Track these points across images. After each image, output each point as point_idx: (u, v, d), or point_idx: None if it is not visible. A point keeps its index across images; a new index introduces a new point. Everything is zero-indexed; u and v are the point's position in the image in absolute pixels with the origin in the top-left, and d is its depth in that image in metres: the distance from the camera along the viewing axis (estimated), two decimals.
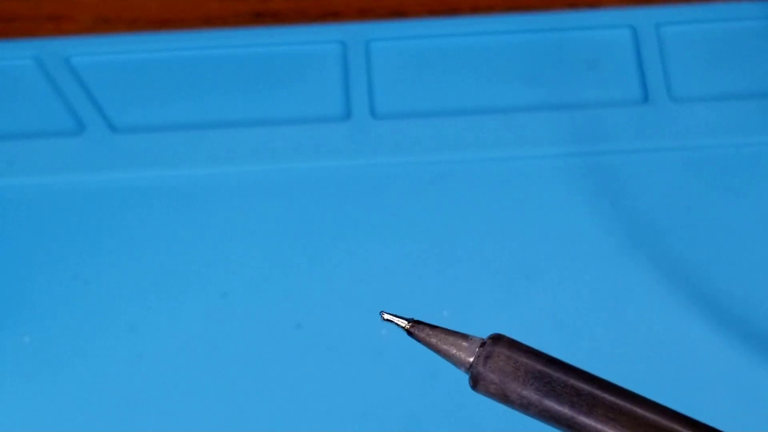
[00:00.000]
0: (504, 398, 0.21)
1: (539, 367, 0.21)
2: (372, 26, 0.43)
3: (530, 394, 0.20)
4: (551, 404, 0.20)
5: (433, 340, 0.22)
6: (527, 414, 0.21)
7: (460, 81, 0.42)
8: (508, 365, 0.21)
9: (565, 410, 0.20)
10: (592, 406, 0.20)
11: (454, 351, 0.21)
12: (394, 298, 0.38)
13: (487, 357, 0.21)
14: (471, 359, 0.21)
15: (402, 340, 0.38)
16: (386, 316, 0.22)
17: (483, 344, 0.21)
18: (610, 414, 0.20)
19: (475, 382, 0.21)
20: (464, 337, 0.21)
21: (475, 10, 0.44)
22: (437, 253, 0.39)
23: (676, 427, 0.20)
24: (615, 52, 0.43)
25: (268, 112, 0.42)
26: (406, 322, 0.22)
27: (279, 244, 0.39)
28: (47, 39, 0.43)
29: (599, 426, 0.20)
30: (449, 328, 0.22)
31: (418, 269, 0.39)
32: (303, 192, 0.40)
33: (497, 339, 0.21)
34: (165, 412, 0.37)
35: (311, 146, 0.41)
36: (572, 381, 0.20)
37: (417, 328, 0.22)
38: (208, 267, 0.39)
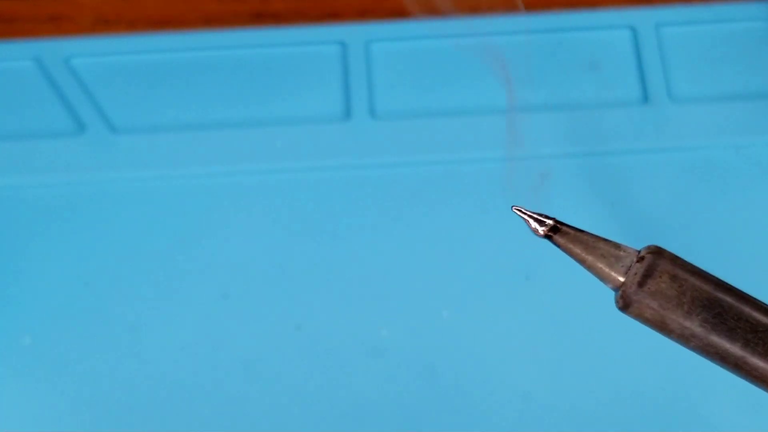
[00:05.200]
0: (661, 326, 0.17)
1: (709, 292, 0.17)
2: (372, 27, 0.43)
3: (695, 326, 0.17)
4: (720, 339, 0.17)
5: (577, 249, 0.18)
6: (686, 346, 0.18)
7: (460, 81, 0.42)
8: (672, 288, 0.17)
9: (736, 348, 0.17)
10: None
11: (602, 264, 0.18)
12: (394, 298, 0.38)
13: (646, 275, 0.17)
14: (623, 276, 0.18)
15: (402, 340, 0.38)
16: (518, 213, 0.18)
17: (640, 258, 0.17)
18: None
19: (627, 305, 0.18)
20: (617, 246, 0.18)
21: (475, 10, 0.44)
22: (437, 253, 0.39)
23: None
24: (615, 53, 0.43)
25: (268, 112, 0.42)
26: (544, 225, 0.18)
27: (279, 244, 0.39)
28: (47, 39, 0.43)
29: None
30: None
31: (418, 269, 0.39)
32: (303, 192, 0.40)
33: (658, 253, 0.17)
34: (165, 413, 0.37)
35: (311, 146, 0.41)
36: (748, 313, 0.17)
37: (558, 233, 0.18)
38: (208, 267, 0.39)
